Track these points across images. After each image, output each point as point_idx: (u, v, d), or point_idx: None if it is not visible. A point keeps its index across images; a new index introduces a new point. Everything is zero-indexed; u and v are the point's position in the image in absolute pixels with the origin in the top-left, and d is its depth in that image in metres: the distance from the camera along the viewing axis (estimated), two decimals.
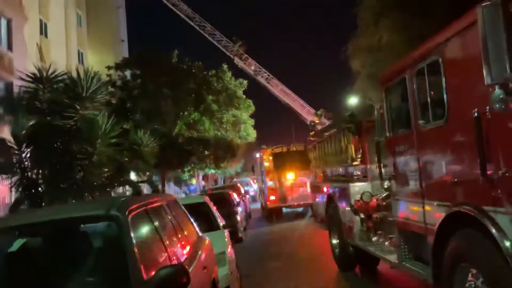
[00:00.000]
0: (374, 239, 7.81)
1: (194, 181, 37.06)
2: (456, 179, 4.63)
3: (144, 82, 25.31)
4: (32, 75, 7.95)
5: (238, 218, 15.92)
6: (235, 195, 18.90)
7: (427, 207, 5.33)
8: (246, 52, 41.52)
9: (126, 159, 8.85)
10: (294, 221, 20.29)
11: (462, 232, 4.51)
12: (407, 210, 6.01)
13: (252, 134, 32.86)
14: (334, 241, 9.89)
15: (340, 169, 10.33)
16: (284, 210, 22.71)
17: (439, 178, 5.07)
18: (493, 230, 3.90)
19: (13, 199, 14.77)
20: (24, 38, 25.00)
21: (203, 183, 38.24)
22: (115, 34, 44.64)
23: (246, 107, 30.48)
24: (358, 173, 9.02)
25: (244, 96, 30.57)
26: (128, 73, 27.33)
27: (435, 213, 5.04)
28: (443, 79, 4.82)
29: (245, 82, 30.76)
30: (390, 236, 7.02)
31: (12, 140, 7.81)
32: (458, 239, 4.55)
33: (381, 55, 15.07)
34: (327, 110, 39.00)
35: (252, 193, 35.27)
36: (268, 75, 41.82)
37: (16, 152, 7.84)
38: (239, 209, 17.42)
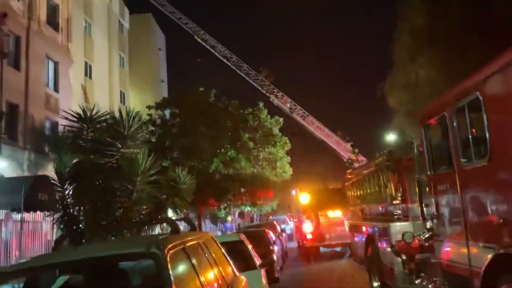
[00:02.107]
0: (417, 281, 7.52)
1: (230, 218, 37.00)
2: (501, 220, 4.46)
3: (182, 121, 25.91)
4: (76, 115, 8.22)
5: (275, 257, 15.66)
6: (271, 233, 18.68)
7: (472, 249, 5.13)
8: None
9: (164, 196, 8.94)
10: (332, 261, 19.80)
11: (509, 275, 4.31)
12: (451, 251, 5.80)
13: (288, 171, 32.79)
14: (375, 284, 9.58)
15: (380, 207, 10.11)
16: (322, 249, 22.26)
17: (484, 218, 4.89)
18: None
19: (54, 236, 15.13)
20: (69, 80, 26.23)
21: (239, 220, 38.09)
22: (155, 74, 46.25)
23: (282, 144, 30.59)
24: (399, 212, 8.80)
25: (280, 134, 30.74)
26: (167, 112, 28.09)
27: (481, 255, 4.85)
28: (485, 117, 4.73)
29: (281, 119, 30.99)
30: (434, 278, 6.75)
31: (55, 177, 8.04)
32: (505, 283, 4.34)
33: (418, 92, 14.96)
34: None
35: (288, 231, 34.81)
36: (304, 112, 42.05)
37: (59, 189, 8.05)
38: (276, 248, 17.17)
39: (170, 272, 3.41)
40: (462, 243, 5.36)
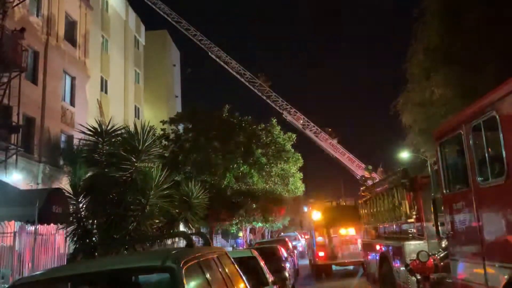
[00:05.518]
0: None
1: (241, 234, 36.85)
2: None
3: (196, 136, 26.03)
4: (92, 129, 8.31)
5: (287, 274, 15.50)
6: (283, 250, 18.52)
7: (488, 269, 5.06)
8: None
9: (177, 210, 8.95)
10: (345, 279, 19.55)
11: None
12: (467, 271, 5.71)
13: (301, 188, 32.64)
14: None
15: (394, 226, 10.01)
16: (334, 267, 22.01)
17: (501, 238, 4.83)
18: None
19: (67, 248, 15.19)
20: (86, 95, 26.59)
21: (250, 236, 37.90)
22: (169, 90, 46.67)
23: (295, 160, 30.50)
24: (413, 230, 8.70)
25: (293, 150, 30.68)
26: (180, 127, 28.25)
27: (498, 275, 4.77)
28: (501, 135, 4.70)
29: (294, 135, 30.97)
30: None
31: (70, 190, 8.11)
32: None
33: (433, 109, 14.89)
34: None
35: (300, 249, 34.49)
36: (317, 129, 41.99)
37: (73, 202, 8.10)
38: (288, 265, 16.99)
39: (186, 287, 3.41)
40: (478, 262, 5.28)
